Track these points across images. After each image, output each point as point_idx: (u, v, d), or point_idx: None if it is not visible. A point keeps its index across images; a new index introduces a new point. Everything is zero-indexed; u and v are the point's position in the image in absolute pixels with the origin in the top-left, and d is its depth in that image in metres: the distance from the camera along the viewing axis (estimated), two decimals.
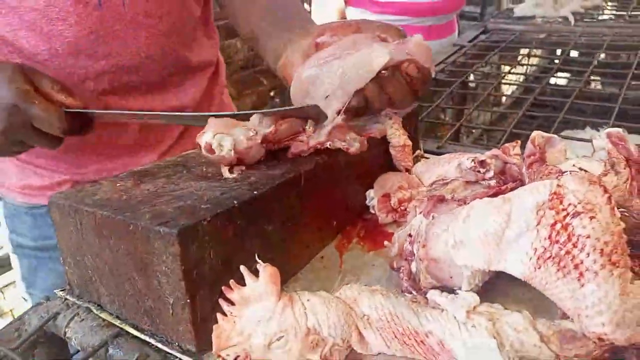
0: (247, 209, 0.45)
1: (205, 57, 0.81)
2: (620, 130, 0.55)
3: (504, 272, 0.42)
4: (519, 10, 1.63)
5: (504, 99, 1.48)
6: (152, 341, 0.44)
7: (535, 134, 0.57)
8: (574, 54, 1.36)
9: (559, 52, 1.38)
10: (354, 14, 1.73)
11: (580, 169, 0.52)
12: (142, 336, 0.44)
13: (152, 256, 0.41)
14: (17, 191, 0.74)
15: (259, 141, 0.51)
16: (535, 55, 1.46)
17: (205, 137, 0.49)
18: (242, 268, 0.39)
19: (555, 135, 0.59)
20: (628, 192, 0.50)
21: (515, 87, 1.40)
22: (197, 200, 0.45)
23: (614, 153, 0.53)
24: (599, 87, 1.48)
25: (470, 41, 1.42)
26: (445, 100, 1.08)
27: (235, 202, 0.44)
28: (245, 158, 0.51)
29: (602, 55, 1.30)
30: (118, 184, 0.49)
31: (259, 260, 0.39)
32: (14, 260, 0.81)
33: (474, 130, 1.47)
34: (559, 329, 0.36)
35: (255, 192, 0.46)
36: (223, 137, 0.49)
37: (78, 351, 0.49)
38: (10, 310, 1.73)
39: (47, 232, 0.73)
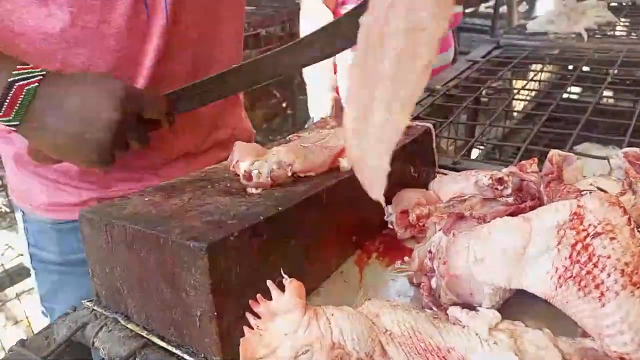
0: (271, 224, 0.46)
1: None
2: (637, 149, 0.55)
3: (523, 290, 0.43)
4: (532, 25, 1.64)
5: (514, 113, 1.49)
6: (178, 352, 0.45)
7: (553, 152, 0.58)
8: (586, 69, 1.37)
9: (571, 67, 1.39)
10: None
11: (599, 188, 0.52)
12: (169, 347, 0.46)
13: (181, 269, 0.42)
14: (43, 208, 0.75)
15: (290, 174, 0.53)
16: (548, 71, 1.46)
17: (243, 166, 0.52)
18: (269, 282, 0.40)
19: (572, 154, 0.60)
20: None
21: (526, 102, 1.41)
22: (224, 215, 0.46)
23: (631, 172, 0.54)
24: (612, 102, 1.49)
25: (483, 56, 1.43)
26: (459, 116, 1.09)
27: (261, 217, 0.45)
28: (276, 182, 0.53)
29: (616, 71, 1.31)
30: (147, 199, 0.51)
31: (284, 275, 0.40)
32: (35, 275, 0.82)
33: (484, 145, 1.48)
34: (581, 346, 0.37)
35: (280, 208, 0.47)
36: (262, 164, 0.52)
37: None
38: (27, 318, 1.75)
39: (73, 247, 0.74)
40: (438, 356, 0.39)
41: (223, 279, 0.42)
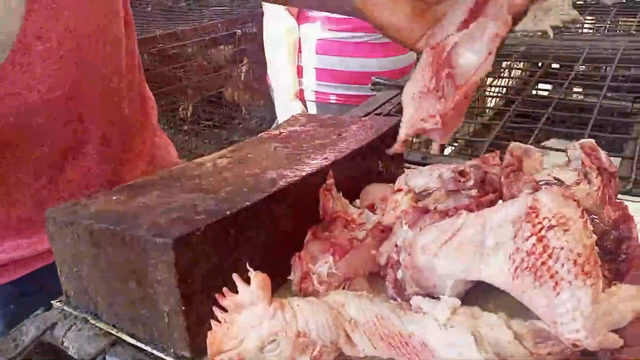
0: (239, 219, 0.47)
1: None
2: (592, 141, 0.58)
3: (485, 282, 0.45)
4: None
5: (487, 110, 1.52)
6: (147, 349, 0.45)
7: (513, 145, 0.60)
8: (556, 66, 1.41)
9: (538, 64, 1.43)
10: (308, 30, 1.77)
11: (555, 178, 0.55)
12: (138, 344, 0.46)
13: (147, 266, 0.43)
14: None
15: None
16: (516, 68, 1.50)
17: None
18: (235, 276, 0.41)
19: (532, 147, 0.62)
20: (599, 200, 0.53)
21: (497, 98, 1.44)
22: (191, 211, 0.47)
23: (587, 162, 0.56)
24: (579, 97, 1.53)
25: None
26: None
27: (227, 212, 0.46)
28: None
29: (582, 68, 1.35)
30: (114, 197, 0.51)
31: (250, 268, 0.41)
32: None
33: (457, 142, 1.50)
34: (533, 328, 0.38)
35: (247, 203, 0.48)
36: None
37: None
38: None
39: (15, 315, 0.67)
40: (400, 342, 0.41)
41: (190, 274, 0.42)
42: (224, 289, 0.41)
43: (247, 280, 0.41)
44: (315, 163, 0.59)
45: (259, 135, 0.73)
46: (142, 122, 0.81)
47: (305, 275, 0.49)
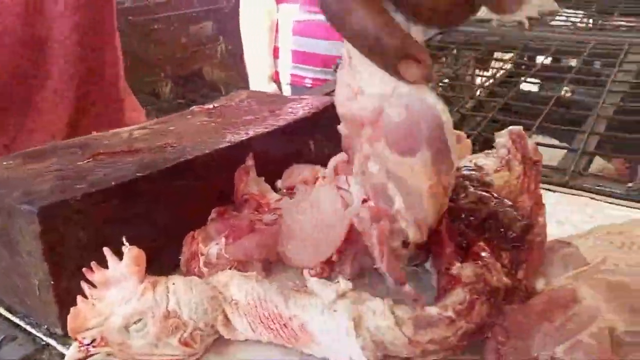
0: (128, 190, 0.44)
1: None
2: (520, 128, 0.55)
3: None
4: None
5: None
6: (22, 323, 0.43)
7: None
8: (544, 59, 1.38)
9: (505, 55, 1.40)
10: (287, 10, 1.73)
11: (476, 165, 0.52)
12: (13, 318, 0.43)
13: (17, 234, 0.40)
14: None
15: None
16: (493, 59, 1.47)
17: None
18: (106, 250, 0.38)
19: (462, 132, 0.60)
20: (519, 188, 0.50)
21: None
22: (78, 179, 0.44)
23: (512, 150, 0.53)
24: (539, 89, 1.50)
25: (425, 41, 1.43)
26: None
27: (112, 182, 0.43)
28: None
29: (547, 60, 1.33)
30: (5, 162, 0.48)
31: (126, 243, 0.39)
32: None
33: None
34: (416, 314, 0.36)
35: (138, 174, 0.45)
36: None
37: None
38: None
39: None
40: (280, 324, 0.38)
41: (61, 246, 0.40)
42: (93, 263, 0.38)
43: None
44: (234, 139, 0.56)
45: (191, 108, 0.70)
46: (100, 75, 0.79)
47: (194, 255, 0.46)
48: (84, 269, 0.38)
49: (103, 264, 0.38)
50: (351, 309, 0.37)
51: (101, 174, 0.45)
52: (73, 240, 0.40)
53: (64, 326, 0.41)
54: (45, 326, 0.42)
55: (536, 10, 1.43)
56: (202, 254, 0.48)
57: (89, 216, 0.41)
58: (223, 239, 0.48)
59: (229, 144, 0.54)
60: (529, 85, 1.50)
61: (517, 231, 0.43)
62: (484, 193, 0.46)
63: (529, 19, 1.38)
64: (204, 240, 0.49)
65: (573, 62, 1.21)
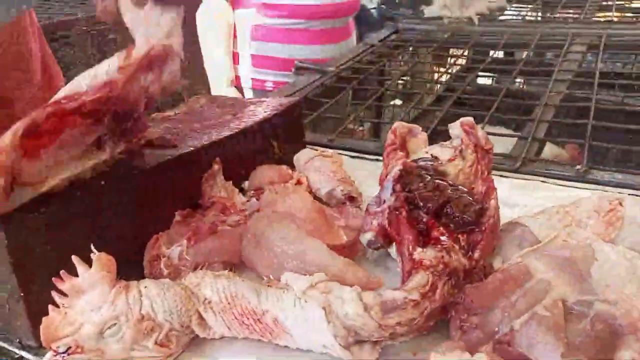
0: (90, 197, 0.44)
1: None
2: (471, 119, 0.58)
3: None
4: (429, 11, 1.69)
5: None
6: None
7: (398, 124, 0.60)
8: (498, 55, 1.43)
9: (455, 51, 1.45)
10: (243, 15, 1.74)
11: (432, 155, 0.55)
12: None
13: None
14: None
15: None
16: (444, 55, 1.51)
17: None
18: (74, 257, 0.39)
19: (417, 126, 0.62)
20: (473, 175, 0.53)
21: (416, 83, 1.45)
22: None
23: (465, 140, 0.56)
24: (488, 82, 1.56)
25: (380, 41, 1.46)
26: (347, 96, 1.11)
27: (78, 192, 0.43)
28: None
29: (500, 54, 1.38)
30: None
31: (94, 249, 0.39)
32: None
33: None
34: (382, 299, 0.38)
35: (102, 181, 0.45)
36: None
37: None
38: None
39: None
40: (253, 319, 0.40)
41: (29, 256, 0.40)
42: (62, 272, 0.38)
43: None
44: (196, 143, 0.57)
45: (152, 116, 0.70)
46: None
47: (155, 257, 0.47)
48: (53, 278, 0.38)
49: (73, 272, 0.39)
50: (321, 298, 0.39)
51: (63, 185, 0.45)
52: (37, 251, 0.40)
53: (37, 337, 0.41)
54: (17, 339, 0.42)
55: (485, 6, 1.50)
56: (163, 256, 0.49)
57: (52, 226, 0.41)
58: (185, 241, 0.49)
59: (192, 149, 0.55)
60: (484, 79, 1.56)
61: (472, 215, 0.46)
62: (440, 182, 0.49)
63: (478, 15, 1.45)
64: (167, 242, 0.50)
65: (523, 55, 1.26)
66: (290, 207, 0.50)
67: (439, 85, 1.23)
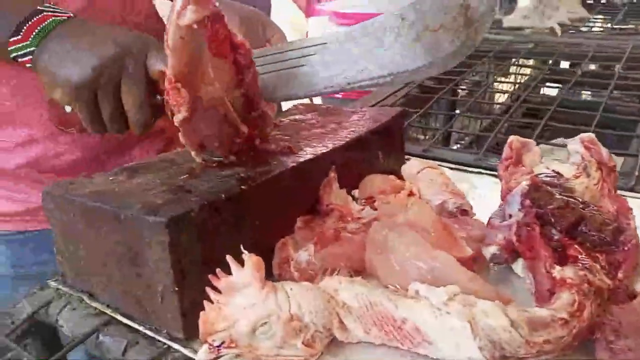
0: (234, 202, 0.47)
1: None
2: (592, 135, 0.57)
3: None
4: (508, 21, 1.66)
5: (496, 107, 1.51)
6: (141, 329, 0.45)
7: (512, 138, 0.60)
8: (561, 64, 1.40)
9: (547, 61, 1.41)
10: (317, 23, 1.77)
11: (554, 171, 0.54)
12: (132, 324, 0.46)
13: (141, 245, 0.43)
14: None
15: None
16: (523, 65, 1.49)
17: None
18: (229, 257, 0.41)
19: (532, 140, 0.62)
20: (599, 193, 0.52)
21: (505, 95, 1.43)
22: (187, 193, 0.46)
23: (586, 156, 0.55)
24: (585, 96, 1.52)
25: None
26: (434, 107, 1.11)
27: (222, 195, 0.46)
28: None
29: (591, 66, 1.34)
30: (110, 178, 0.51)
31: (245, 251, 0.41)
32: None
33: (466, 138, 1.49)
34: (530, 315, 0.38)
35: (242, 187, 0.48)
36: None
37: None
38: None
39: (27, 259, 0.69)
40: (393, 326, 0.41)
41: (184, 255, 0.42)
42: (218, 271, 0.40)
43: (242, 263, 0.41)
44: (313, 151, 0.59)
45: None
46: None
47: (285, 260, 0.49)
48: (210, 276, 0.41)
49: (223, 270, 0.41)
50: (464, 311, 0.39)
51: (205, 187, 0.48)
52: (192, 249, 0.43)
53: (185, 330, 0.43)
54: (165, 331, 0.44)
55: (566, 17, 1.47)
56: (292, 260, 0.51)
57: (204, 227, 0.44)
58: (312, 246, 0.51)
59: (313, 157, 0.57)
60: (550, 88, 1.51)
61: (609, 234, 0.45)
62: (570, 199, 0.48)
63: (561, 25, 1.42)
64: (294, 246, 0.52)
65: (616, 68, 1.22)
66: (413, 217, 0.51)
67: (518, 97, 1.20)
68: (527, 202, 0.47)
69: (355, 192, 0.63)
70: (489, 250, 0.50)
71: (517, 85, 1.42)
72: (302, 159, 0.56)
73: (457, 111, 1.33)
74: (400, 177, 0.71)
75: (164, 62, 0.49)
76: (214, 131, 0.51)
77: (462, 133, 1.31)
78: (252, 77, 0.54)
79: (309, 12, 1.82)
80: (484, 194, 0.67)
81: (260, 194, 0.50)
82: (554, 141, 0.84)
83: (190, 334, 0.44)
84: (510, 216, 0.50)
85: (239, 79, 0.53)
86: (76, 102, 0.52)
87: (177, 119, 0.48)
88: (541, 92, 1.32)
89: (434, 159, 0.80)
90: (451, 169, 0.76)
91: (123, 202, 0.45)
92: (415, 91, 1.14)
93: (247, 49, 0.52)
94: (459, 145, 1.56)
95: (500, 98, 1.50)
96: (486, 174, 0.73)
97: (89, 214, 0.45)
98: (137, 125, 0.53)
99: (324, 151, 0.58)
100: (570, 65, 1.33)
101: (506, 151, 0.58)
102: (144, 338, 0.45)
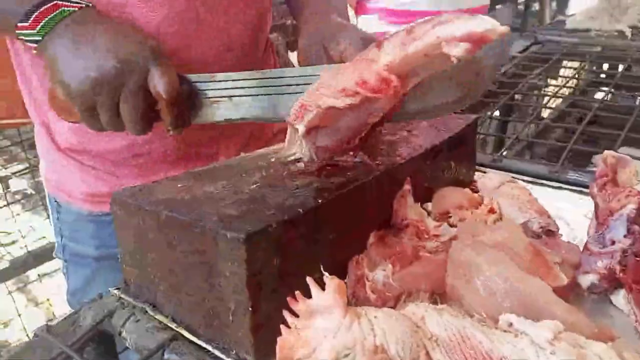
0: (311, 216, 0.44)
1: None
2: None
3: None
4: (571, 22, 1.58)
5: (547, 112, 1.43)
6: (209, 347, 0.43)
7: (607, 153, 0.55)
8: (624, 68, 1.31)
9: (606, 66, 1.33)
10: (366, 21, 1.72)
11: None
12: (199, 341, 0.44)
13: (216, 259, 0.40)
14: (81, 198, 0.72)
15: None
16: (589, 70, 1.40)
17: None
18: (309, 279, 0.38)
19: (627, 156, 0.56)
20: None
21: (561, 100, 1.35)
22: (262, 204, 0.44)
23: None
24: None
25: (521, 52, 1.38)
26: (493, 112, 1.06)
27: (300, 210, 0.43)
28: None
29: None
30: (179, 184, 0.49)
31: (325, 273, 0.38)
32: (66, 269, 0.79)
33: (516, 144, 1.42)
34: None
35: (319, 201, 0.44)
36: None
37: (126, 348, 0.49)
38: (48, 300, 1.76)
39: (111, 240, 0.71)
40: None
41: (261, 272, 0.40)
42: (297, 293, 0.37)
43: (321, 284, 0.38)
44: (387, 161, 0.55)
45: None
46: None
47: (359, 279, 0.46)
48: (288, 298, 0.37)
49: (302, 291, 0.38)
50: (573, 352, 0.35)
51: (280, 199, 0.45)
52: (268, 266, 0.40)
53: (255, 351, 0.41)
54: (235, 351, 0.42)
55: (636, 18, 1.36)
56: (367, 280, 0.47)
57: (282, 242, 0.41)
58: (390, 266, 0.47)
59: (388, 168, 0.53)
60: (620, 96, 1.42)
61: None
62: None
63: (632, 28, 1.31)
64: (369, 265, 0.49)
65: None
66: (501, 238, 0.47)
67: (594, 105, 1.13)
68: (636, 227, 0.43)
69: (428, 205, 0.59)
70: (587, 279, 0.45)
71: (578, 89, 1.34)
72: (377, 171, 0.52)
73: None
74: (473, 189, 0.66)
75: (165, 77, 0.49)
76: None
77: (523, 139, 1.24)
78: None
79: (358, 9, 1.77)
80: (565, 212, 0.62)
81: (335, 208, 0.46)
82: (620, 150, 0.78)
83: (261, 354, 0.41)
84: (613, 242, 0.45)
85: None
86: (73, 104, 0.52)
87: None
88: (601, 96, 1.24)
89: (503, 169, 0.75)
90: (525, 181, 0.71)
91: (197, 212, 0.42)
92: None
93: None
94: (507, 152, 1.49)
95: (555, 101, 1.42)
96: (566, 189, 0.68)
97: (161, 223, 0.43)
98: (133, 132, 0.53)
99: (399, 162, 0.55)
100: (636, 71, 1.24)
101: (600, 168, 0.53)
102: (211, 357, 0.42)
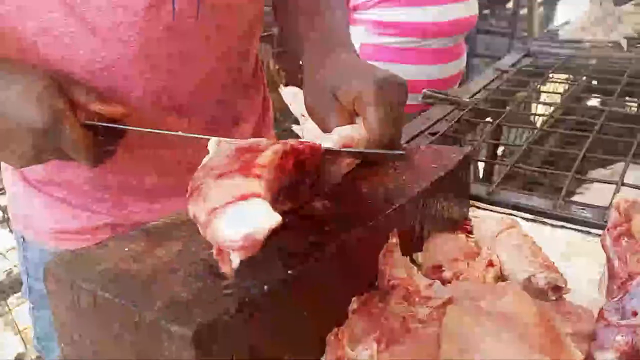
0: (279, 292, 0.36)
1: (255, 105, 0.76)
2: None
3: None
4: (564, 32, 1.53)
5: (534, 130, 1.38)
6: None
7: (619, 199, 0.48)
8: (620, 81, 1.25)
9: (600, 81, 1.27)
10: (355, 33, 1.66)
11: None
12: None
13: (160, 356, 0.33)
14: (48, 235, 0.67)
15: None
16: (591, 88, 1.34)
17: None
18: None
19: None
20: None
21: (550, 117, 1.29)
22: (218, 278, 0.37)
23: None
24: None
25: (512, 65, 1.32)
26: (486, 135, 0.99)
27: (265, 286, 0.36)
28: None
29: None
30: (126, 249, 0.42)
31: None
32: (33, 310, 0.73)
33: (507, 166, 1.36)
34: None
35: (289, 272, 0.37)
36: None
37: None
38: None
39: None
40: None
41: None
42: None
43: None
44: (371, 210, 0.48)
45: None
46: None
47: None
48: None
49: None
50: None
51: (243, 270, 0.38)
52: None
53: None
54: None
55: (631, 28, 1.27)
56: None
57: (242, 331, 0.34)
58: (374, 344, 0.40)
59: (371, 218, 0.46)
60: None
61: None
62: None
63: (627, 38, 1.23)
64: (350, 340, 0.42)
65: None
66: (506, 307, 0.40)
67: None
68: None
69: (419, 256, 0.53)
70: (604, 356, 0.39)
71: (576, 107, 1.28)
72: (360, 226, 0.45)
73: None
74: (467, 228, 0.60)
75: (71, 143, 0.49)
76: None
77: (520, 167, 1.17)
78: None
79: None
80: (568, 256, 0.56)
81: (310, 277, 0.39)
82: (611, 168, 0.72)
83: None
84: (635, 313, 0.38)
85: None
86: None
87: None
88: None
89: (503, 205, 0.68)
90: (524, 218, 0.64)
91: (140, 293, 0.35)
92: (468, 115, 1.02)
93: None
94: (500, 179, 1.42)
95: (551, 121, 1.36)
96: (569, 228, 0.62)
97: (97, 305, 0.36)
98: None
99: (388, 211, 0.48)
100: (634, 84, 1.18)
101: (614, 217, 0.47)
102: None
